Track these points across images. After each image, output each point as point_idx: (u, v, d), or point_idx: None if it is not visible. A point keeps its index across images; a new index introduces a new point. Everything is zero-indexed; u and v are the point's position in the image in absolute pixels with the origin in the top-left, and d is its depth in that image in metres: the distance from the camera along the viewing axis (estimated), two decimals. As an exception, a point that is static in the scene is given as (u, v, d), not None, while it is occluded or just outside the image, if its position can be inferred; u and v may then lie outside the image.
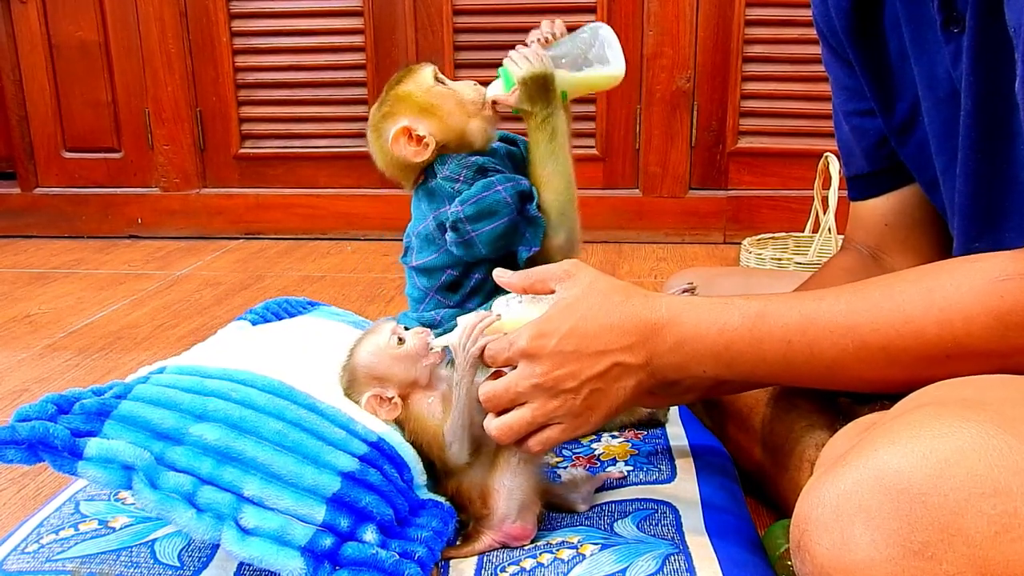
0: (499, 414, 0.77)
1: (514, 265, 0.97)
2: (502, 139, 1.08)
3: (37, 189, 2.64)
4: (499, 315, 0.81)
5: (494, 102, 1.01)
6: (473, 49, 2.36)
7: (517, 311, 0.81)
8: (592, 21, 1.05)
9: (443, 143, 1.01)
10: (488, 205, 0.95)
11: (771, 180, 2.37)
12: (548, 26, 1.02)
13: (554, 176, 0.99)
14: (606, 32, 1.02)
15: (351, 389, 0.85)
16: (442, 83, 1.02)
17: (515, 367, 0.75)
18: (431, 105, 1.00)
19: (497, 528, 0.82)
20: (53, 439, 0.71)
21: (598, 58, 1.01)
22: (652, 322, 0.72)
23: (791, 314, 0.69)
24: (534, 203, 0.98)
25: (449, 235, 0.97)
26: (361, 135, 2.81)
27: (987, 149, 0.70)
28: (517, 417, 0.75)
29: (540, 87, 0.97)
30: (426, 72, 1.02)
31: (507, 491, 0.82)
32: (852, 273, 0.95)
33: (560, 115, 0.99)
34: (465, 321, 0.80)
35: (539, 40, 1.01)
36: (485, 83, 1.03)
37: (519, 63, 0.98)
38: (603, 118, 2.36)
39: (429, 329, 0.87)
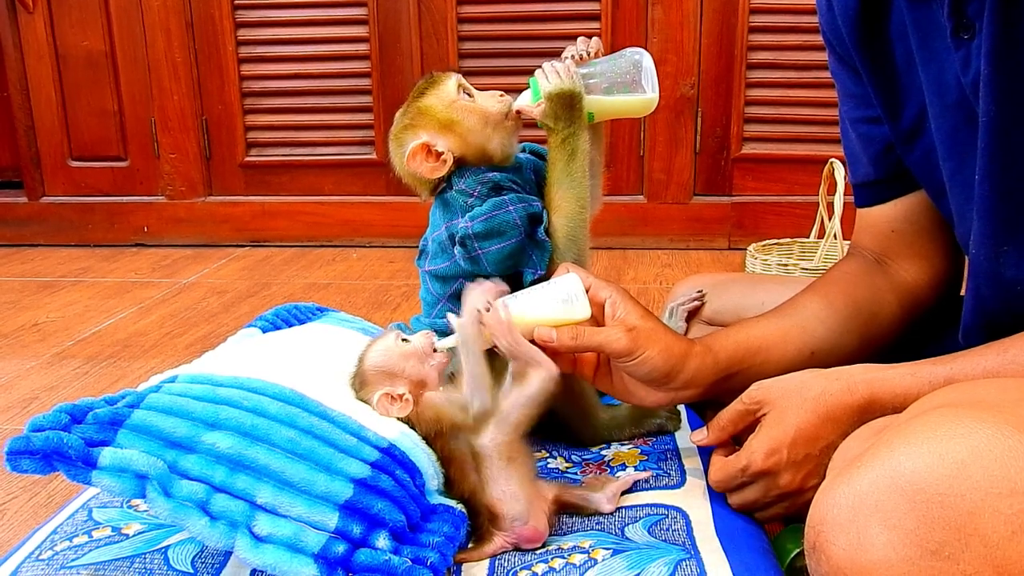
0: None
1: (519, 285, 0.97)
2: (532, 152, 1.06)
3: (44, 198, 2.65)
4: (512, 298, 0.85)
5: (519, 112, 0.99)
6: (478, 57, 2.35)
7: (525, 303, 0.85)
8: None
9: (462, 157, 0.99)
10: (497, 225, 0.94)
11: (776, 186, 2.37)
12: (584, 44, 0.99)
13: (567, 200, 0.97)
14: (645, 60, 0.98)
15: (362, 391, 0.86)
16: (467, 93, 1.00)
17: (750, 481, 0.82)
18: (452, 121, 0.98)
19: (509, 529, 0.82)
20: (67, 449, 0.72)
21: (632, 85, 0.98)
22: (858, 406, 0.77)
23: (975, 371, 0.74)
24: (542, 227, 0.96)
25: (457, 249, 0.96)
26: (366, 142, 2.82)
27: (1010, 152, 0.70)
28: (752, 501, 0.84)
29: (565, 104, 0.95)
30: (450, 84, 1.00)
31: (509, 496, 0.82)
32: (858, 278, 0.95)
33: (582, 136, 0.97)
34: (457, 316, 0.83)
35: (573, 57, 0.98)
36: (500, 90, 1.02)
37: (549, 77, 0.96)
38: (607, 124, 2.37)
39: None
